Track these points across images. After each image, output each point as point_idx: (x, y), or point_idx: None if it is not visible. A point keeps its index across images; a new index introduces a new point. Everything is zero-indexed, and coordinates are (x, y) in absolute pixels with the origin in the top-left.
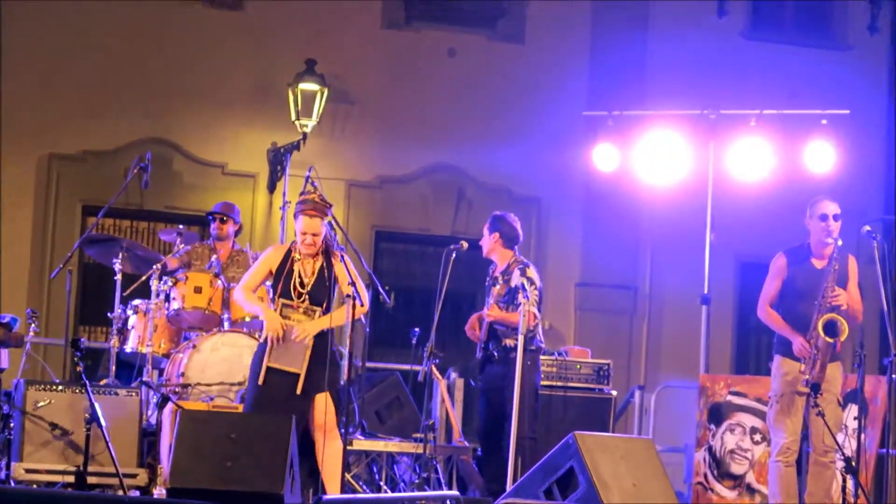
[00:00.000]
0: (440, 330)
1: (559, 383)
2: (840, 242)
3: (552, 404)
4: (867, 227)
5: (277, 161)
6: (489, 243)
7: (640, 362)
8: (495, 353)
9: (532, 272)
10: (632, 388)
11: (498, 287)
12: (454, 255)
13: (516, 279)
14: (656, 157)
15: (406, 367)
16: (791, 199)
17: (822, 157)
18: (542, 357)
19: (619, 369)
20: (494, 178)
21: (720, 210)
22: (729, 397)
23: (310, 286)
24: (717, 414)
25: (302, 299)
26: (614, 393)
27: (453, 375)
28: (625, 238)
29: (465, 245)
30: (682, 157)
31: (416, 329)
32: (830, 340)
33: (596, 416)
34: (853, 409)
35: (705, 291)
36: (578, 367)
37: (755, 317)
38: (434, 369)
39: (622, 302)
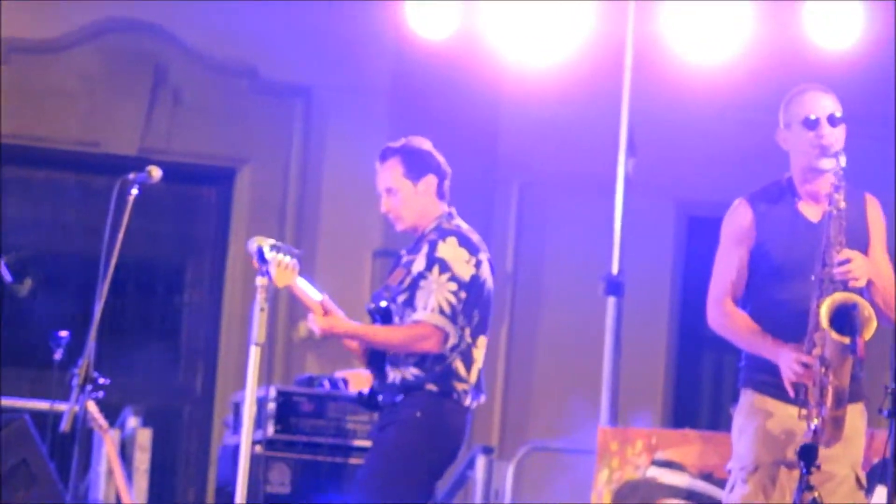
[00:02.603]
0: (108, 334)
1: (322, 439)
2: (843, 159)
3: (306, 472)
4: None
5: None
6: (410, 196)
7: (493, 402)
8: (378, 394)
9: (450, 247)
10: (472, 451)
11: (397, 271)
12: (136, 189)
13: (421, 261)
14: (526, 15)
15: (43, 404)
16: (781, 97)
17: (835, 21)
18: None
19: None
20: (224, 49)
21: (646, 119)
22: (652, 471)
23: None
24: (631, 500)
25: None
26: None
27: (133, 422)
28: (469, 167)
29: (158, 173)
30: (577, 16)
31: (64, 333)
32: (844, 340)
33: None
34: (881, 494)
35: (614, 271)
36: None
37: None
38: (94, 409)
39: None
